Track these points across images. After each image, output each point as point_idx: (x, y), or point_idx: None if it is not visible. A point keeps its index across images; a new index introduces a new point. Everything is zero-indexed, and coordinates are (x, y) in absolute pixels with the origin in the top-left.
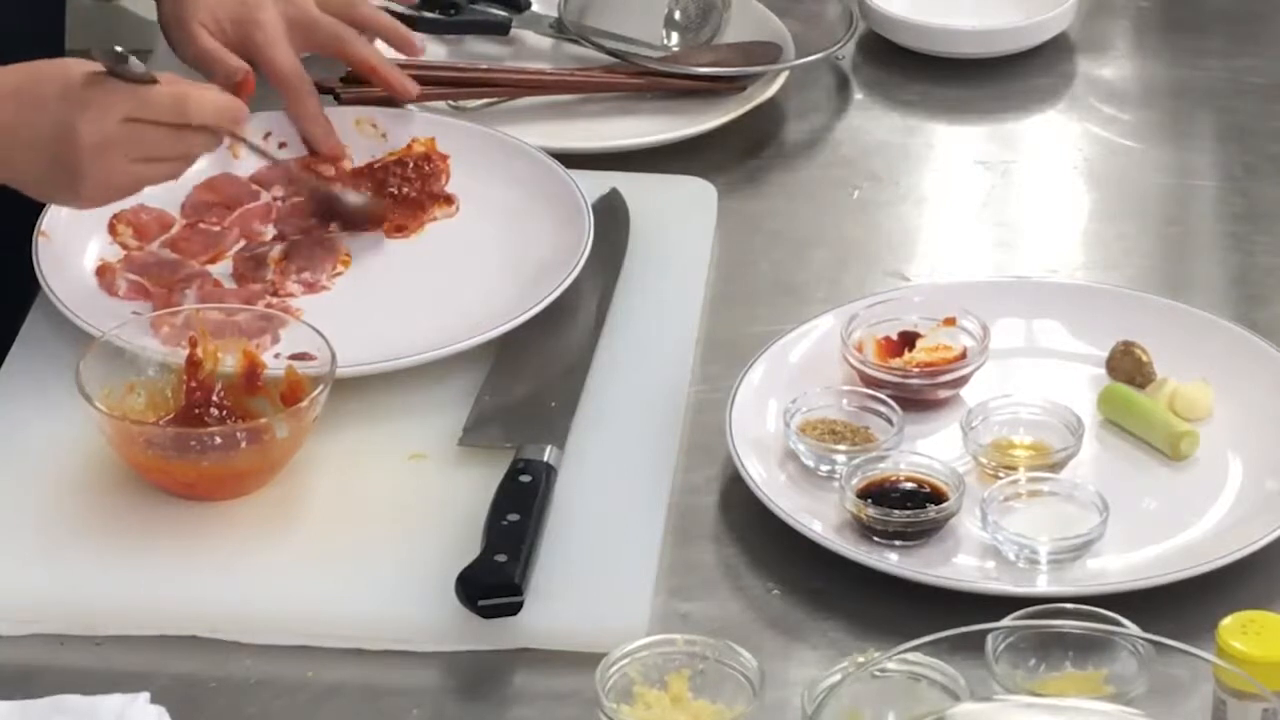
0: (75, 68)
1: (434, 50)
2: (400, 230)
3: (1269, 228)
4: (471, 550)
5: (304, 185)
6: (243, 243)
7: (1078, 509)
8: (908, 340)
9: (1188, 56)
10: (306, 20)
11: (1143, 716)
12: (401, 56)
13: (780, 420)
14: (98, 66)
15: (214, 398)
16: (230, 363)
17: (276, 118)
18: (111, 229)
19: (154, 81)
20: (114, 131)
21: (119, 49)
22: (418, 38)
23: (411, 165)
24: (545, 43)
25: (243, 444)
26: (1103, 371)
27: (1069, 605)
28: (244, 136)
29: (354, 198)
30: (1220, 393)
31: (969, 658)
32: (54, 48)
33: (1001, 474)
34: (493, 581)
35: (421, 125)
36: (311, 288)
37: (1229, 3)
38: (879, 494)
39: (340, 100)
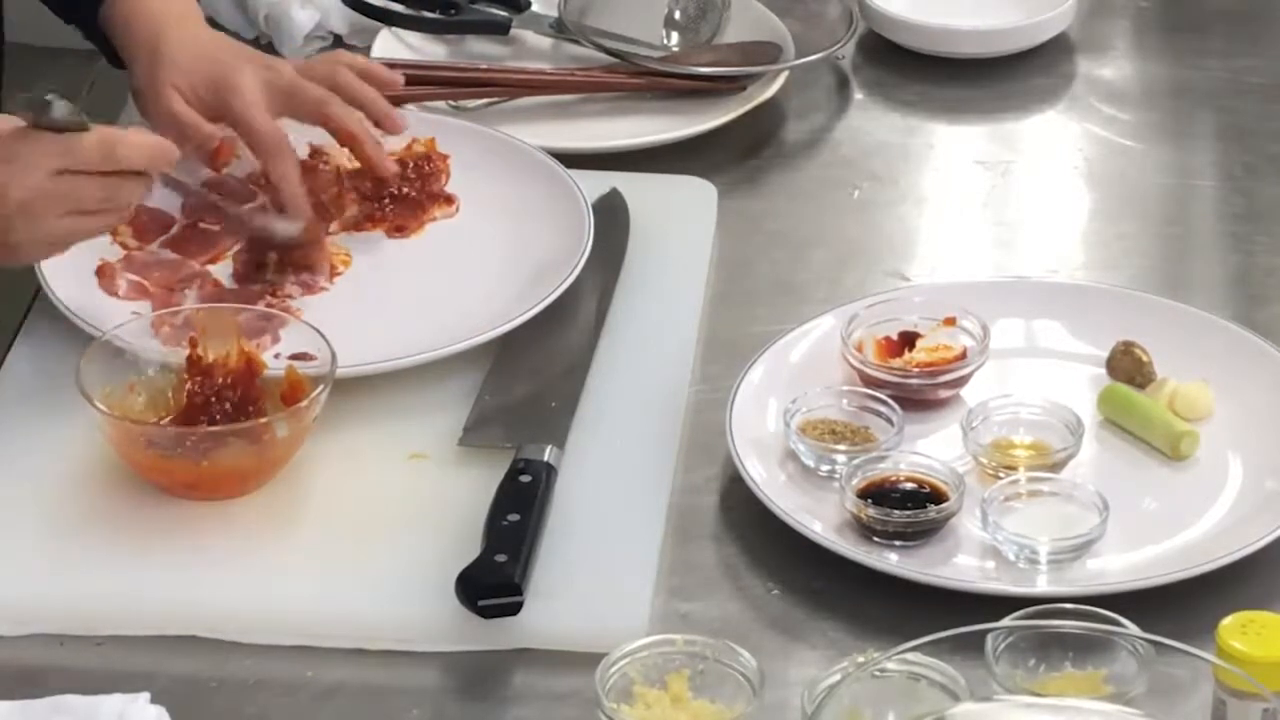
0: (3, 125)
1: (434, 50)
2: (400, 230)
3: (1269, 228)
4: (471, 550)
5: (233, 222)
6: (243, 243)
7: (1078, 509)
8: (908, 340)
9: (1188, 56)
10: (288, 86)
11: (1143, 716)
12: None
13: (780, 420)
14: (21, 122)
15: (213, 399)
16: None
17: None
18: (112, 229)
19: (83, 127)
20: (43, 186)
21: (47, 96)
22: (400, 115)
23: (411, 165)
24: (545, 43)
25: (243, 444)
26: (1103, 371)
27: (1069, 605)
28: (179, 179)
29: (284, 228)
30: (1220, 393)
31: (969, 658)
32: None
33: (1001, 474)
34: (493, 581)
35: (421, 125)
36: (310, 289)
37: (1229, 3)
38: (879, 494)
39: None
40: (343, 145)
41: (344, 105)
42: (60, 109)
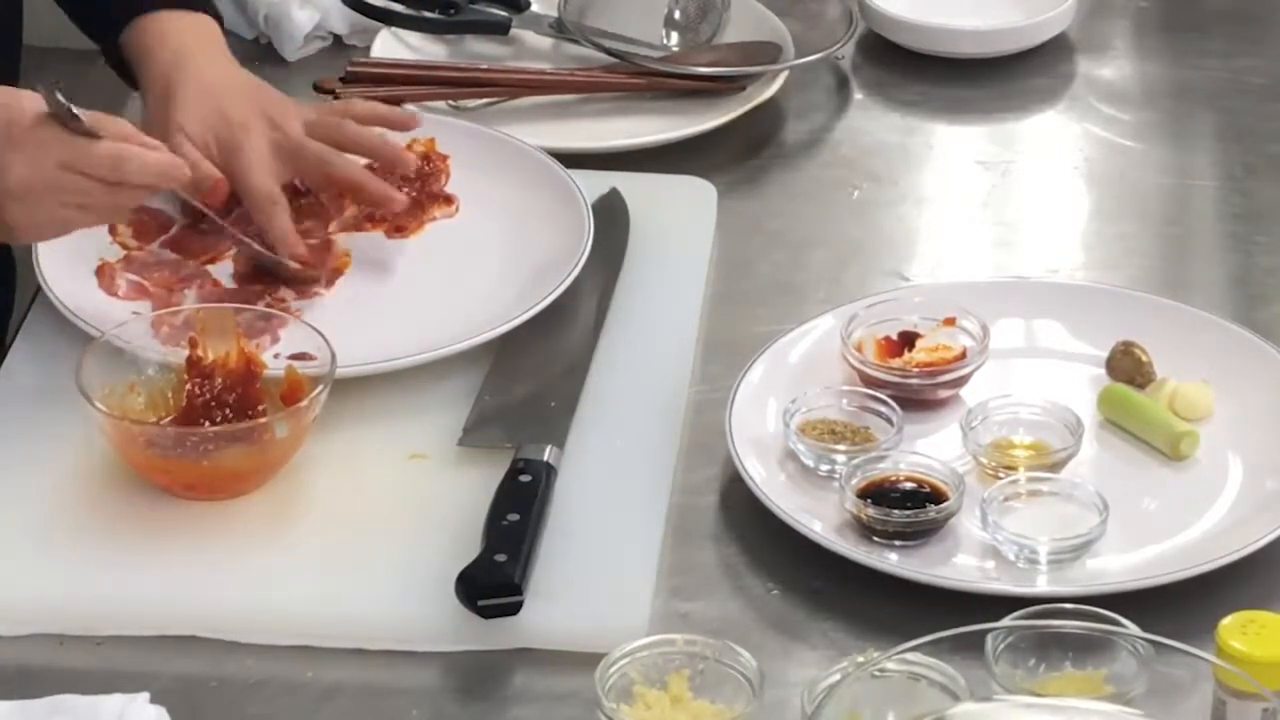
0: (27, 105)
1: (434, 50)
2: (400, 230)
3: (1269, 228)
4: (471, 550)
5: (244, 252)
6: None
7: (1078, 509)
8: (908, 340)
9: (1188, 56)
10: (293, 147)
11: (1143, 716)
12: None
13: (780, 420)
14: (44, 107)
15: (213, 399)
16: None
17: None
18: (112, 229)
19: (96, 138)
20: (47, 176)
21: (68, 105)
22: (409, 158)
23: None
24: (545, 43)
25: (243, 444)
26: (1103, 371)
27: (1069, 605)
28: (186, 196)
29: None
30: (1220, 393)
31: (969, 658)
32: (9, 41)
33: (1001, 474)
34: (493, 581)
35: (422, 125)
36: (305, 296)
37: (1229, 3)
38: (879, 494)
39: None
40: (353, 198)
41: (343, 158)
42: (83, 119)
